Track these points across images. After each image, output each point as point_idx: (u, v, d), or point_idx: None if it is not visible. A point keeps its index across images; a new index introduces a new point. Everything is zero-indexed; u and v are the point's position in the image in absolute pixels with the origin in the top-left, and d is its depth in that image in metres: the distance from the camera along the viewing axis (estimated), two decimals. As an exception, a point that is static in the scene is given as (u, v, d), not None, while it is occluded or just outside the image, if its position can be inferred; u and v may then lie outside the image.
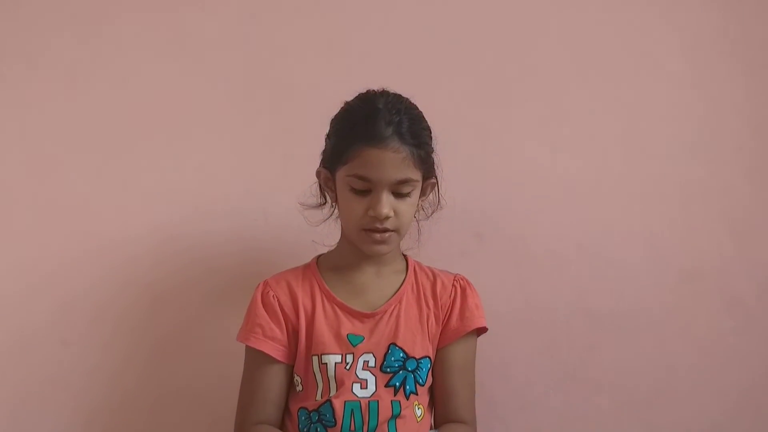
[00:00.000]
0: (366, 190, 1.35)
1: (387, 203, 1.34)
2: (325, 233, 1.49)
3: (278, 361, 1.39)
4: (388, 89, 1.40)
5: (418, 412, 1.38)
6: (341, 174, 1.37)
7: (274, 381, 1.39)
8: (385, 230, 1.36)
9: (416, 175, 1.36)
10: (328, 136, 1.42)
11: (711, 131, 1.70)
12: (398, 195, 1.36)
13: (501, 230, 1.66)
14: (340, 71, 1.65)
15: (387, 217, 1.34)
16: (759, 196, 1.69)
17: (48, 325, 1.60)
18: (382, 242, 1.37)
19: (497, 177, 1.67)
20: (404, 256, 1.49)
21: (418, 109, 1.40)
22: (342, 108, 1.41)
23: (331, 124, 1.41)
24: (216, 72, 1.66)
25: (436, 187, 1.46)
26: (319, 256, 1.49)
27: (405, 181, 1.35)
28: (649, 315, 1.66)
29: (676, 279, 1.67)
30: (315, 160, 1.45)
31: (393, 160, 1.33)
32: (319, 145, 1.44)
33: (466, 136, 1.66)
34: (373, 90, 1.40)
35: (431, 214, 1.50)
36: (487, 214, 1.66)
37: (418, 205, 1.42)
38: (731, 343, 1.66)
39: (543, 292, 1.66)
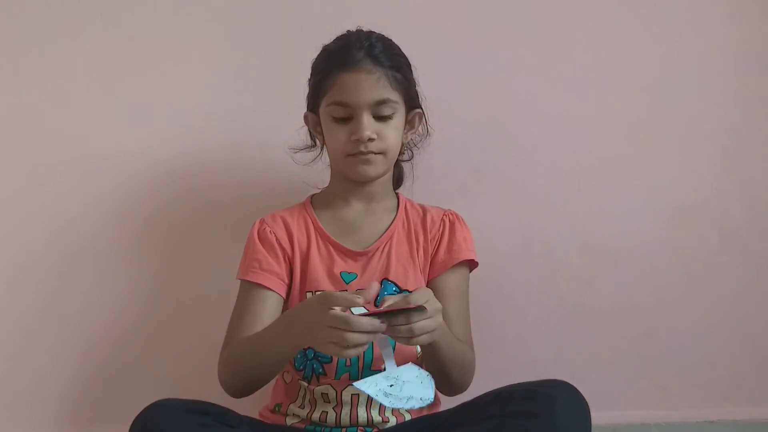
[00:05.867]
0: (347, 117, 1.36)
1: (368, 125, 1.35)
2: (317, 176, 1.51)
3: (272, 291, 1.38)
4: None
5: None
6: (323, 108, 1.39)
7: (266, 308, 1.37)
8: (370, 152, 1.36)
9: (394, 96, 1.37)
10: (309, 79, 1.43)
11: (708, 69, 1.69)
12: (380, 118, 1.36)
13: (499, 166, 1.67)
14: (337, 8, 1.63)
15: (370, 139, 1.35)
16: (755, 130, 1.69)
17: (43, 257, 1.62)
18: (369, 162, 1.38)
19: (495, 113, 1.66)
20: (396, 194, 1.50)
21: (393, 41, 1.41)
22: (320, 51, 1.42)
23: (311, 67, 1.43)
24: (214, 7, 1.65)
25: (423, 118, 1.46)
26: (312, 195, 1.50)
27: (383, 102, 1.36)
28: (645, 249, 1.68)
29: (671, 213, 1.68)
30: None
31: (367, 81, 1.34)
32: (314, 82, 1.44)
33: (463, 72, 1.65)
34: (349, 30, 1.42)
35: (420, 143, 1.51)
36: (485, 150, 1.66)
37: (405, 132, 1.43)
38: (724, 276, 1.68)
39: (541, 228, 1.67)
